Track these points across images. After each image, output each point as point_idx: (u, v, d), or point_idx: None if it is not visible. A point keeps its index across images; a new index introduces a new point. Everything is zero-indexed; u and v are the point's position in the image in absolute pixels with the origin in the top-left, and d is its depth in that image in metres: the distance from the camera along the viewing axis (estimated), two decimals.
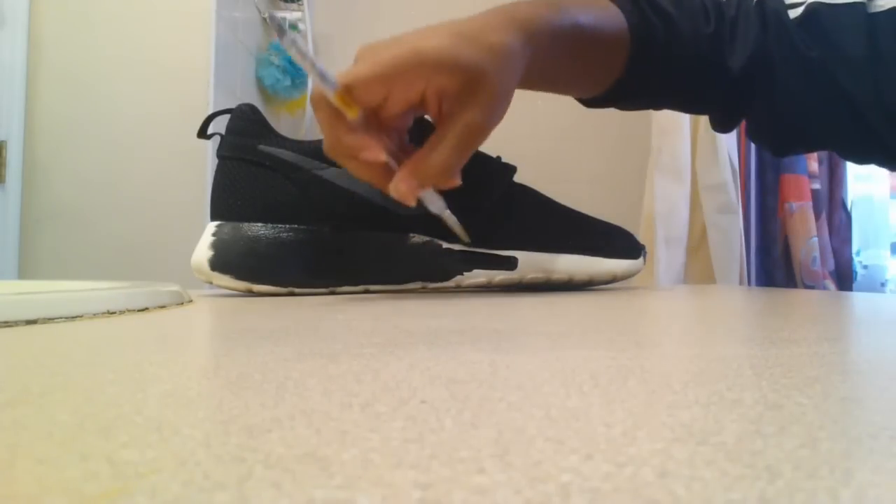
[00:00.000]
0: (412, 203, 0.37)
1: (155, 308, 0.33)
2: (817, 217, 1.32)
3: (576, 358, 0.16)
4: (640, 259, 0.55)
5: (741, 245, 1.29)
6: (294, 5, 1.67)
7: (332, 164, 0.45)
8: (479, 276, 0.50)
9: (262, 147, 0.48)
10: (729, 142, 1.29)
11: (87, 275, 0.95)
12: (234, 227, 0.47)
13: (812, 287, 1.29)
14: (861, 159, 0.59)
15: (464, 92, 0.36)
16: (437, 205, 0.40)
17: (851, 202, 1.40)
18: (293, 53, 0.33)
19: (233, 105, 0.50)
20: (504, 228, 0.50)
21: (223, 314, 0.32)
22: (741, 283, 1.29)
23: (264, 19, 1.65)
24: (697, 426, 0.10)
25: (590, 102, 0.54)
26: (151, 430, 0.10)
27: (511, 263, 0.50)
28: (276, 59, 1.58)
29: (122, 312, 0.30)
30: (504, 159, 0.51)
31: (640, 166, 1.43)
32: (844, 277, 1.35)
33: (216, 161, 0.49)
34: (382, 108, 0.37)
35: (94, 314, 0.28)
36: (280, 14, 1.66)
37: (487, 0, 0.43)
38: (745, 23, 0.52)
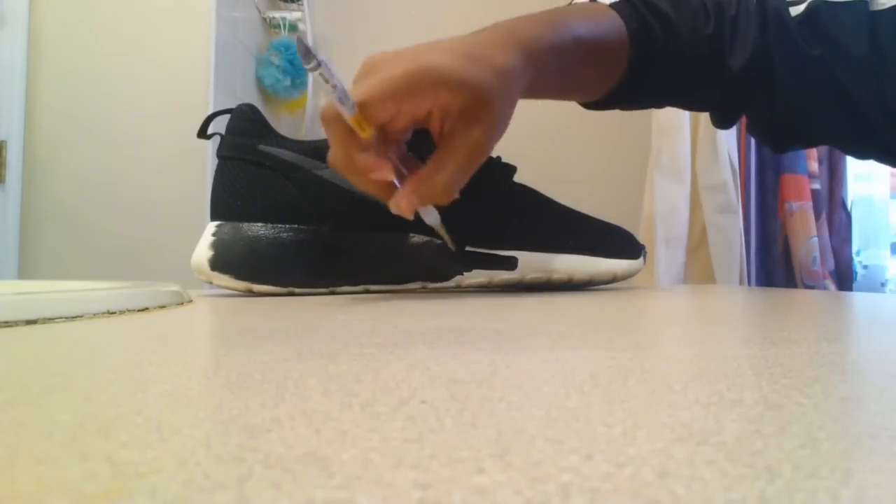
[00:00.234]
0: (410, 217, 0.38)
1: (155, 308, 0.33)
2: (817, 217, 1.33)
3: (576, 358, 0.16)
4: (640, 259, 0.55)
5: (741, 245, 1.29)
6: (294, 5, 1.67)
7: None
8: (479, 276, 0.50)
9: (262, 147, 0.48)
10: (729, 141, 1.29)
11: (87, 275, 0.95)
12: (234, 227, 0.47)
13: (812, 287, 1.29)
14: (861, 155, 0.59)
15: (468, 111, 0.37)
16: (432, 217, 0.41)
17: (851, 202, 1.40)
18: (318, 75, 0.33)
19: (233, 105, 0.50)
20: (504, 228, 0.50)
21: (223, 314, 0.32)
22: (741, 283, 1.29)
23: (264, 19, 1.65)
24: (697, 426, 0.10)
25: (590, 105, 0.54)
26: (151, 430, 0.10)
27: (511, 263, 0.50)
28: (276, 59, 1.58)
29: (122, 312, 0.30)
30: (504, 159, 0.51)
31: (640, 166, 1.43)
32: (844, 277, 1.35)
33: (216, 161, 0.49)
34: (389, 123, 0.37)
35: (94, 314, 0.28)
36: (280, 14, 1.66)
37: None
38: (745, 21, 0.52)
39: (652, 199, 1.31)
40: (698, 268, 1.32)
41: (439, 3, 1.72)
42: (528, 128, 1.53)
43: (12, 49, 1.22)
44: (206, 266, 0.46)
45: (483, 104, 0.37)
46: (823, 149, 1.36)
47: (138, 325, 0.26)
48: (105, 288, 0.32)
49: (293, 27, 1.66)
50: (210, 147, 1.20)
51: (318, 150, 0.47)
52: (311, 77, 1.61)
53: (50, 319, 0.26)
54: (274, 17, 1.66)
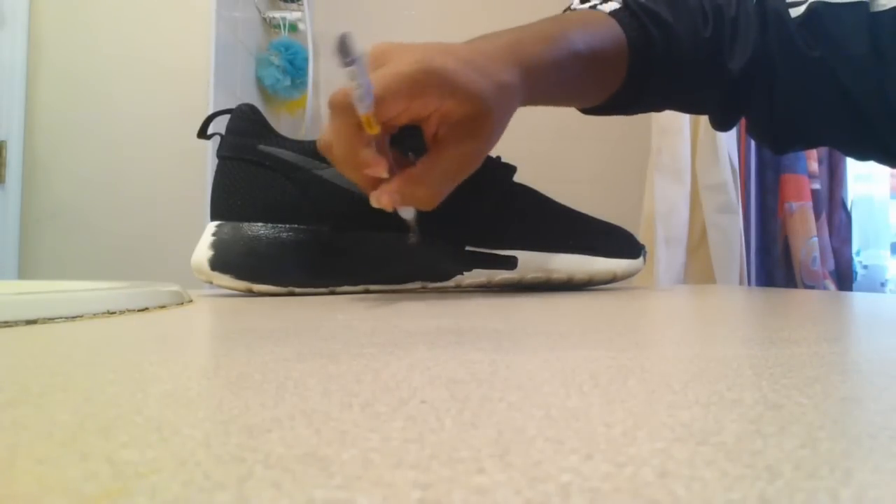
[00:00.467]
0: (389, 210, 0.38)
1: (155, 308, 0.33)
2: (817, 217, 1.32)
3: (576, 358, 0.16)
4: (640, 259, 0.55)
5: (741, 245, 1.29)
6: (294, 5, 1.68)
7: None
8: (479, 275, 0.50)
9: (261, 147, 0.48)
10: (729, 142, 1.29)
11: (87, 275, 0.95)
12: (234, 227, 0.47)
13: (812, 287, 1.29)
14: (861, 156, 0.59)
15: (467, 122, 0.37)
16: (408, 213, 0.41)
17: (851, 202, 1.40)
18: (351, 71, 0.32)
19: (233, 105, 0.50)
20: (504, 228, 0.50)
21: (223, 314, 0.32)
22: (741, 283, 1.29)
23: (264, 19, 1.65)
24: (697, 426, 0.10)
25: (589, 111, 0.55)
26: (151, 430, 0.10)
27: (511, 263, 0.50)
28: (276, 59, 1.58)
29: (122, 312, 0.30)
30: (504, 159, 0.51)
31: (640, 166, 1.43)
32: (844, 277, 1.35)
33: (216, 161, 0.49)
34: (391, 119, 0.37)
35: (94, 314, 0.28)
36: (280, 14, 1.66)
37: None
38: (745, 23, 0.52)
39: (652, 199, 1.31)
40: (698, 268, 1.32)
41: (439, 3, 1.73)
42: (528, 128, 1.53)
43: (12, 49, 1.22)
44: (206, 266, 0.46)
45: (483, 118, 0.37)
46: (823, 149, 1.36)
47: (138, 325, 0.26)
48: (105, 288, 0.32)
49: (293, 27, 1.67)
50: (210, 147, 1.20)
51: (318, 150, 0.47)
52: (310, 77, 1.61)
53: (50, 319, 0.26)
54: (274, 17, 1.66)
